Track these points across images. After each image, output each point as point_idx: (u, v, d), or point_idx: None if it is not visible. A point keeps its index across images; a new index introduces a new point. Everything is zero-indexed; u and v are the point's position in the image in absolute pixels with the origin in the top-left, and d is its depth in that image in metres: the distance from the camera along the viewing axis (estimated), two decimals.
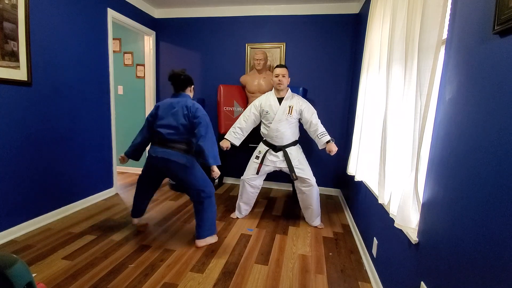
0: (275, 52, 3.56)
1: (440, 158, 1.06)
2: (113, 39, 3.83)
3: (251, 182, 2.61)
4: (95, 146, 2.94)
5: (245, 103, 3.51)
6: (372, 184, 1.97)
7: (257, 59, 3.38)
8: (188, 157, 2.05)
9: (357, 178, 2.26)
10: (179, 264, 1.89)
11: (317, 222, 2.60)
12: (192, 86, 2.20)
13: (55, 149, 2.46)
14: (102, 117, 3.02)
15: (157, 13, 3.82)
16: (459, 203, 0.91)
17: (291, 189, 3.57)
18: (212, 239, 2.19)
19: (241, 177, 2.65)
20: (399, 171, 1.40)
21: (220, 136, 3.03)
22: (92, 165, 2.91)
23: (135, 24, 3.41)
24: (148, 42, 3.80)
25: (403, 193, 1.23)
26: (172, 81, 2.12)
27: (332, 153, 2.40)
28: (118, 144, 3.35)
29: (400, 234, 1.36)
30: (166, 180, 3.67)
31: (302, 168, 2.50)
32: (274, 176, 3.61)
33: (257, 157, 2.60)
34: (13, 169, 2.10)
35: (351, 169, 2.50)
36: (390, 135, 1.50)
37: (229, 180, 3.96)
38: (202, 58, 3.78)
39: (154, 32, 3.81)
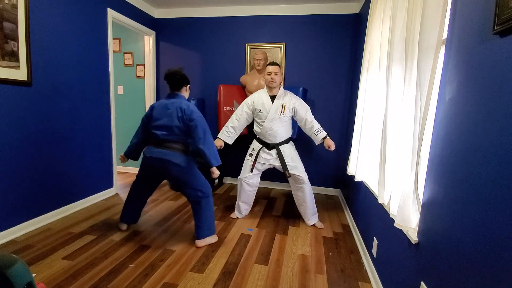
0: (275, 52, 3.56)
1: (440, 158, 1.06)
2: (113, 39, 3.82)
3: (248, 180, 2.61)
4: (95, 146, 2.94)
5: None
6: (372, 184, 1.97)
7: (257, 59, 3.39)
8: (184, 156, 2.05)
9: (357, 178, 2.26)
10: (179, 264, 1.89)
11: (313, 220, 2.60)
12: (188, 85, 2.20)
13: (55, 149, 2.46)
14: (102, 117, 3.02)
15: (157, 13, 3.82)
16: (459, 203, 0.91)
17: (290, 189, 3.56)
18: (212, 239, 2.19)
19: (238, 177, 2.66)
20: (399, 171, 1.40)
21: None
22: (92, 165, 2.91)
23: (135, 24, 3.41)
24: (148, 42, 3.80)
25: (403, 193, 1.23)
26: (168, 80, 2.12)
27: (332, 148, 2.40)
28: (118, 144, 3.34)
29: (400, 234, 1.36)
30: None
31: (295, 165, 2.50)
32: (274, 176, 3.62)
33: (250, 155, 2.60)
34: (13, 169, 2.10)
35: (351, 169, 2.50)
36: (390, 135, 1.50)
37: (228, 180, 3.96)
38: (202, 58, 3.78)
39: (154, 32, 3.81)
